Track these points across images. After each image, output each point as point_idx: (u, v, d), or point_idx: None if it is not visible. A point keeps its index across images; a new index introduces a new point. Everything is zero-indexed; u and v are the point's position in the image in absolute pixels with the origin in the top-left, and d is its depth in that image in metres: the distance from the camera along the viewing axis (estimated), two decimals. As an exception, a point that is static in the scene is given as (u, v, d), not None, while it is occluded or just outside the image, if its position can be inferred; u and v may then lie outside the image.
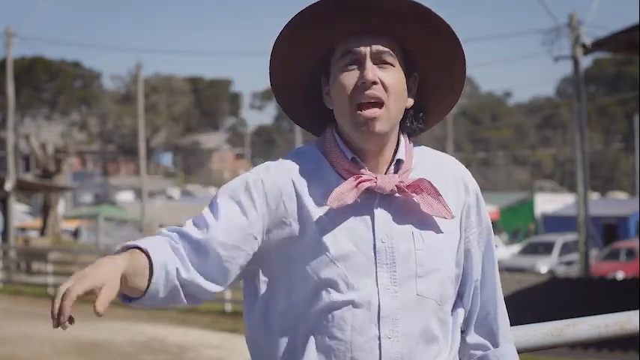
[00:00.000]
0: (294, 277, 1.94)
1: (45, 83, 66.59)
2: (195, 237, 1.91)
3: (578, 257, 23.93)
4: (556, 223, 35.99)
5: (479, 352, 2.09)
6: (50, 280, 23.25)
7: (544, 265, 28.52)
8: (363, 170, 1.96)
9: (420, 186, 1.96)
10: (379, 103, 1.93)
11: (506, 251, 31.59)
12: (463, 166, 2.09)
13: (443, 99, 2.09)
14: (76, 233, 40.39)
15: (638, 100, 44.61)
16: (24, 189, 35.82)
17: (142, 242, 1.84)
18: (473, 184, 2.07)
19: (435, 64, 2.03)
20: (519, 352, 2.44)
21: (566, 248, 29.65)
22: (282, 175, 1.97)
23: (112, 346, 13.85)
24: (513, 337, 2.16)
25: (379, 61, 1.95)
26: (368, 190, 1.94)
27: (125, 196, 58.33)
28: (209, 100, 74.06)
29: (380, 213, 1.95)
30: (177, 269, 1.86)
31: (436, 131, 66.59)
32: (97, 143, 74.24)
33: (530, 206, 41.87)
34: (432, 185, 1.96)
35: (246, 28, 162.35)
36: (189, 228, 1.93)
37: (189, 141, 78.35)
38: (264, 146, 74.73)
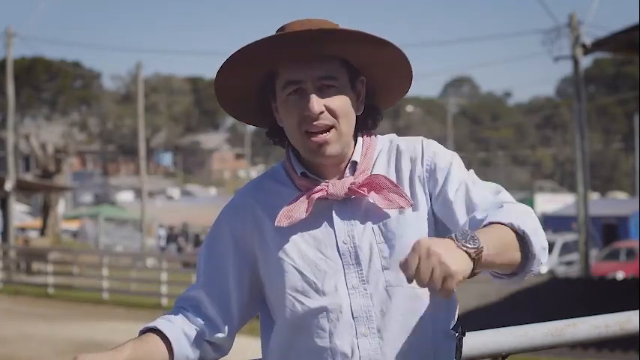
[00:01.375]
0: (275, 297, 2.03)
1: (45, 83, 66.61)
2: (194, 297, 2.07)
3: (578, 257, 23.92)
4: (556, 222, 35.98)
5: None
6: (50, 280, 23.24)
7: (544, 265, 28.49)
8: (315, 182, 2.01)
9: (376, 182, 1.98)
10: (329, 127, 1.96)
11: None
12: (417, 141, 2.07)
13: (392, 90, 2.10)
14: (75, 234, 40.36)
15: (638, 100, 44.60)
16: (24, 189, 35.83)
17: (153, 323, 2.03)
18: (426, 152, 2.04)
19: (378, 67, 2.03)
20: (519, 352, 2.44)
21: (566, 248, 29.63)
22: (245, 204, 2.07)
23: (112, 346, 13.74)
24: (517, 334, 2.17)
25: (322, 85, 1.96)
26: (324, 197, 1.99)
27: (125, 196, 58.37)
28: (209, 100, 73.90)
29: (340, 216, 2.00)
30: (196, 330, 2.02)
31: (436, 131, 66.61)
32: (97, 143, 74.28)
33: (530, 206, 41.71)
34: (387, 178, 1.98)
35: (246, 28, 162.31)
36: (188, 293, 2.08)
37: (189, 141, 78.37)
38: (264, 146, 74.63)
